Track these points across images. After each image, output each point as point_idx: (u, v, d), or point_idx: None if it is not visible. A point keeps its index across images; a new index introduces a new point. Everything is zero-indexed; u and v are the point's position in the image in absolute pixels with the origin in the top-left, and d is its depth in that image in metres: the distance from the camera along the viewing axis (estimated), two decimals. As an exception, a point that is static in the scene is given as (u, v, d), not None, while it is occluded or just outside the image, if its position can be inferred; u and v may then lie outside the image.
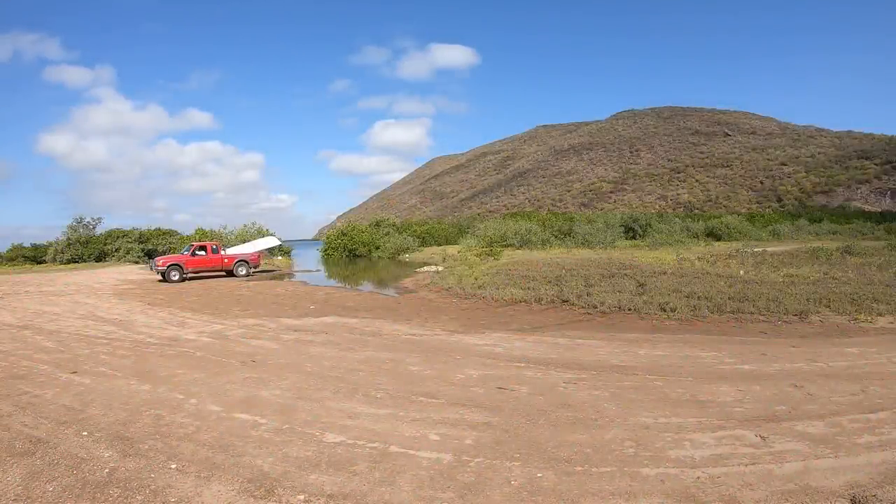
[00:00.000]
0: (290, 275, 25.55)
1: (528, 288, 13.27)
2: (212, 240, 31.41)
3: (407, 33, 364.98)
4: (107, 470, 3.65)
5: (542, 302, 11.77)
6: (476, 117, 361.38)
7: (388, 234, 42.97)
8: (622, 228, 40.26)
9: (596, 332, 8.58)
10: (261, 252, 26.58)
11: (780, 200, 79.66)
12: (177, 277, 20.67)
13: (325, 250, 41.48)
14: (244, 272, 23.13)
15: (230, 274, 23.02)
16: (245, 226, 39.17)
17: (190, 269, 21.68)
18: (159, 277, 21.21)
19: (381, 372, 6.25)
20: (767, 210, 73.21)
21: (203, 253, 22.53)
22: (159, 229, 39.49)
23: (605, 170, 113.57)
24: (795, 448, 3.80)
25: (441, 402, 5.02)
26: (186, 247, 24.57)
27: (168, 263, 21.02)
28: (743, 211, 71.55)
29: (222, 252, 23.49)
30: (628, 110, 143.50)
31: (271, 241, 30.31)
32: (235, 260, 23.29)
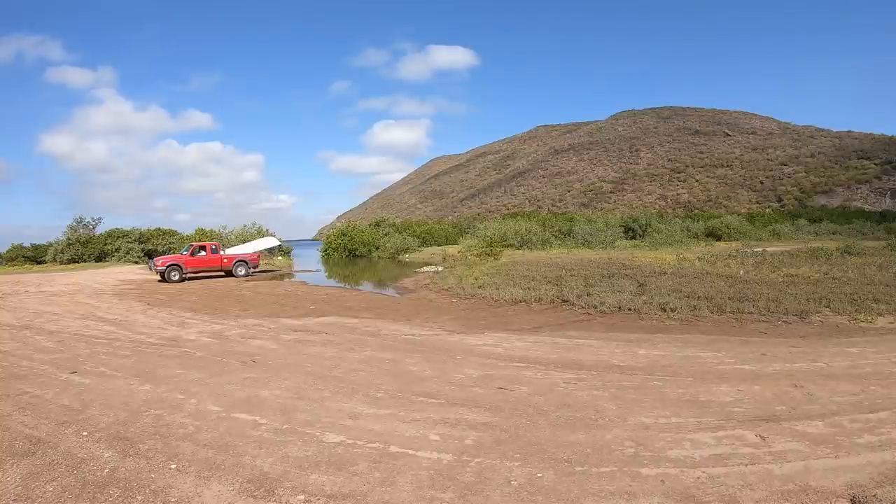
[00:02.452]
0: (291, 275, 25.55)
1: (528, 288, 13.27)
2: (211, 240, 31.38)
3: (406, 35, 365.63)
4: (107, 470, 3.65)
5: (542, 302, 11.77)
6: (476, 118, 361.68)
7: (387, 234, 42.98)
8: (622, 228, 40.26)
9: (596, 332, 8.58)
10: (260, 252, 26.49)
11: (780, 200, 79.65)
12: (176, 277, 20.66)
13: (325, 250, 41.50)
14: (243, 272, 23.08)
15: (229, 274, 22.96)
16: (245, 226, 39.23)
17: (189, 269, 21.59)
18: (158, 277, 21.14)
19: (381, 372, 6.25)
20: (767, 210, 73.15)
21: (203, 253, 22.47)
22: (159, 229, 39.48)
23: (605, 170, 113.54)
24: (795, 448, 3.80)
25: (441, 402, 5.02)
26: (186, 247, 24.46)
27: (167, 263, 20.95)
28: (743, 211, 71.52)
29: (222, 252, 23.41)
30: (628, 110, 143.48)
31: (271, 242, 30.25)
32: (235, 260, 23.22)
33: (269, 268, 28.40)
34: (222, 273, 23.12)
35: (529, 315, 10.57)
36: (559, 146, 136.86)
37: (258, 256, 25.01)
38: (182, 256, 22.04)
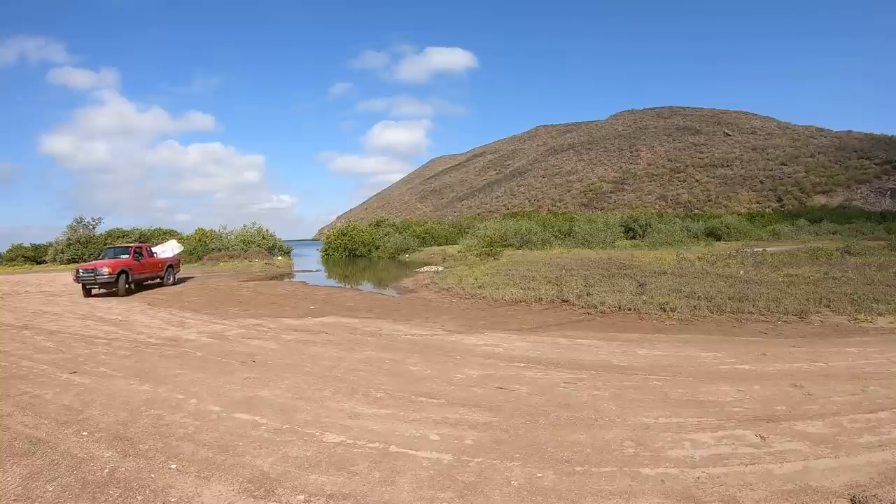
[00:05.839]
0: (291, 275, 25.55)
1: (528, 288, 13.27)
2: (211, 240, 30.47)
3: (405, 38, 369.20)
4: (107, 470, 3.64)
5: (542, 302, 11.77)
6: (475, 119, 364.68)
7: (388, 234, 43.04)
8: (622, 228, 40.29)
9: (596, 332, 8.57)
10: (177, 256, 21.86)
11: (780, 200, 79.56)
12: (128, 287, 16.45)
13: (326, 250, 41.56)
14: (172, 280, 19.58)
15: (153, 281, 18.72)
16: (245, 226, 39.22)
17: (135, 277, 16.97)
18: (97, 289, 16.15)
19: (381, 372, 6.24)
20: (767, 210, 73.14)
21: (141, 257, 17.95)
22: (160, 229, 39.51)
23: (605, 170, 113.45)
24: (795, 448, 3.80)
25: (441, 402, 5.02)
26: (116, 248, 18.96)
27: (119, 269, 16.02)
28: (743, 211, 71.50)
29: (157, 255, 19.50)
30: (628, 110, 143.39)
31: (177, 246, 23.01)
32: (167, 264, 19.39)
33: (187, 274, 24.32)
34: (155, 281, 18.83)
35: (529, 315, 10.57)
36: (559, 146, 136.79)
37: (179, 260, 21.58)
38: (127, 260, 16.94)
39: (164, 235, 37.78)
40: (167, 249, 20.72)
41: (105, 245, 30.93)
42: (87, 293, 16.02)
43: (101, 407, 5.06)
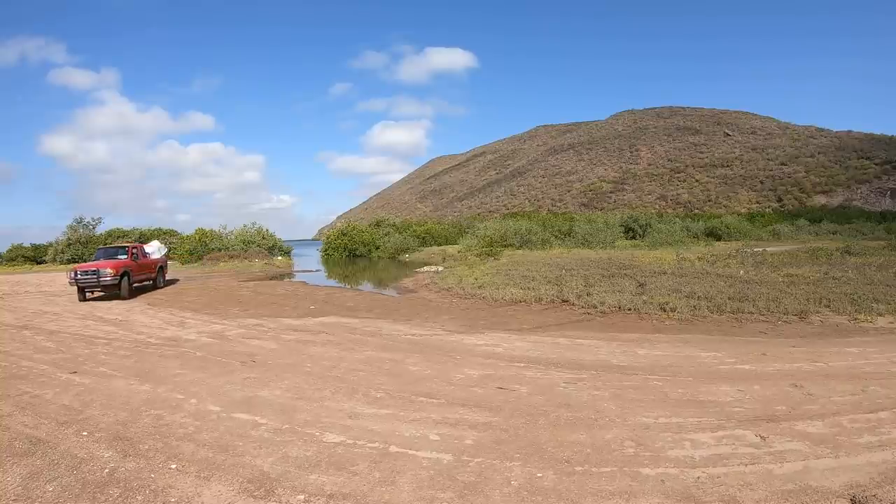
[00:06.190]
0: (291, 275, 25.55)
1: (528, 288, 13.27)
2: (211, 240, 30.26)
3: (405, 38, 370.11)
4: (107, 470, 3.64)
5: (542, 302, 11.77)
6: (475, 119, 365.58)
7: (388, 234, 43.03)
8: (622, 228, 40.28)
9: (596, 332, 8.57)
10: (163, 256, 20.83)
11: (780, 200, 79.52)
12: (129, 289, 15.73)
13: (326, 250, 41.56)
14: (162, 282, 18.89)
15: (152, 284, 18.19)
16: (245, 226, 39.19)
17: (133, 278, 16.20)
18: (91, 293, 15.36)
19: (381, 372, 6.24)
20: (767, 210, 73.13)
21: (137, 258, 17.18)
22: (159, 229, 39.53)
23: (605, 170, 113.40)
24: (795, 448, 3.80)
25: (441, 402, 5.02)
26: (108, 249, 17.94)
27: (122, 270, 15.27)
28: (743, 211, 71.50)
29: (150, 256, 18.71)
30: (628, 110, 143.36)
31: (162, 247, 21.61)
32: (158, 265, 18.73)
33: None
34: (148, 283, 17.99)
35: (529, 315, 10.57)
36: (559, 146, 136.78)
37: (166, 261, 20.84)
38: (127, 261, 16.22)
39: (164, 235, 37.80)
40: (154, 250, 19.71)
41: (104, 245, 30.79)
42: (83, 296, 15.04)
43: (101, 407, 5.06)
